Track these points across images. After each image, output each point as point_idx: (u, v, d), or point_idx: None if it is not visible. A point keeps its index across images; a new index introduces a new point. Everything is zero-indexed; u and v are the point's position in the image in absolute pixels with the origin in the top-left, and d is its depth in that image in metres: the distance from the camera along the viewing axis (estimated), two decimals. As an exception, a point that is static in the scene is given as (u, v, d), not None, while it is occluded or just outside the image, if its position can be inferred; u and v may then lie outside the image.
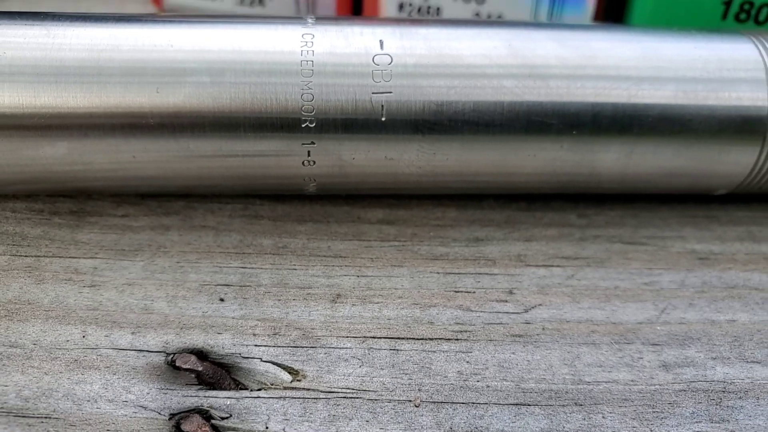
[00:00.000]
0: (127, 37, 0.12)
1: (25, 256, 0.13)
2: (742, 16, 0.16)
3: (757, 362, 0.11)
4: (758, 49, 0.13)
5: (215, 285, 0.12)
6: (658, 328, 0.12)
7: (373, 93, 0.12)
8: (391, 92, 0.12)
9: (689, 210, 0.14)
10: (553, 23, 0.14)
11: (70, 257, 0.12)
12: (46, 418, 0.10)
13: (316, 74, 0.12)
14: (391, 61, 0.12)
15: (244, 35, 0.12)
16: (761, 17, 0.16)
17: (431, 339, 0.11)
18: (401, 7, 0.19)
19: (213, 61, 0.12)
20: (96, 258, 0.12)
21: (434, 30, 0.13)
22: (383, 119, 0.12)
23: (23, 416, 0.10)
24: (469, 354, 0.11)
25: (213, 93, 0.12)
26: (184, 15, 0.13)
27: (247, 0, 0.21)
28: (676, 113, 0.12)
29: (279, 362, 0.11)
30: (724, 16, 0.16)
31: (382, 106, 0.12)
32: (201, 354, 0.11)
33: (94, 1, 0.21)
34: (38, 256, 0.13)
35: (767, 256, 0.13)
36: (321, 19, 0.13)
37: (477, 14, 0.19)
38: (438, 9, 0.19)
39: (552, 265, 0.13)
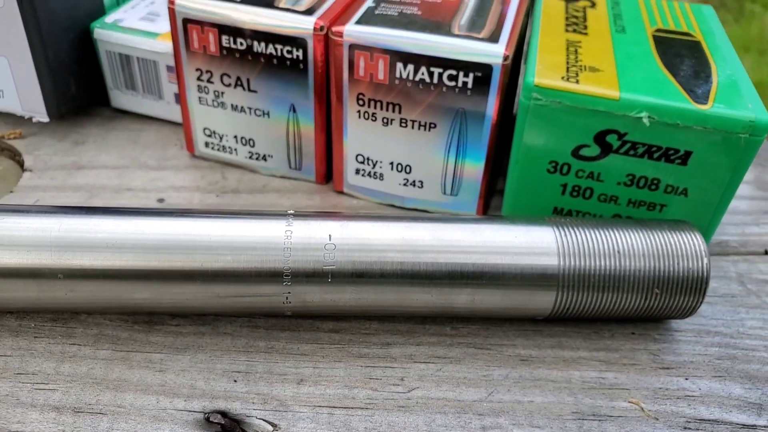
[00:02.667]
0: (144, 228, 0.21)
1: (120, 350, 0.21)
2: (574, 193, 0.25)
3: (539, 428, 0.20)
4: (554, 231, 0.22)
5: (231, 372, 0.21)
6: (485, 404, 0.20)
7: (324, 266, 0.21)
8: (333, 265, 0.21)
9: (523, 326, 0.23)
10: (432, 217, 0.23)
11: (146, 352, 0.21)
12: (139, 448, 0.19)
13: (293, 251, 0.21)
14: (335, 247, 0.21)
15: (252, 225, 0.21)
16: (587, 195, 0.25)
17: (353, 407, 0.20)
18: (357, 171, 0.28)
19: (235, 241, 0.21)
20: (161, 353, 0.21)
21: (362, 223, 0.22)
22: (329, 279, 0.21)
23: (127, 446, 0.19)
24: (372, 417, 0.20)
25: (232, 260, 0.21)
26: (216, 211, 0.22)
27: (255, 155, 0.30)
28: (499, 273, 0.21)
29: (266, 419, 0.20)
30: (563, 193, 0.25)
31: (330, 273, 0.21)
32: (223, 413, 0.20)
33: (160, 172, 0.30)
34: (128, 351, 0.21)
35: (566, 358, 0.22)
36: (297, 216, 0.22)
37: (405, 180, 0.28)
38: (381, 175, 0.28)
39: (429, 362, 0.22)
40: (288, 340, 0.22)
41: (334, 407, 0.20)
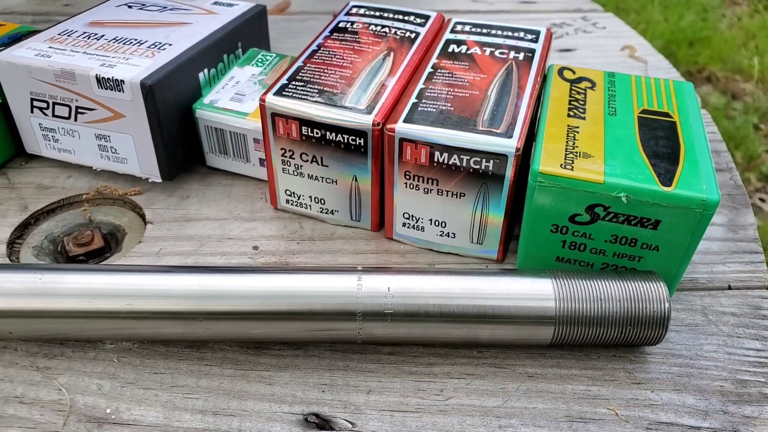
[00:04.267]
0: (258, 283, 0.29)
1: (240, 369, 0.30)
2: (572, 247, 0.33)
3: (541, 427, 0.28)
4: (552, 282, 0.30)
5: (319, 384, 0.29)
6: (501, 409, 0.28)
7: (385, 309, 0.29)
8: (392, 309, 0.29)
9: (531, 350, 0.31)
10: (462, 272, 0.30)
11: (258, 370, 0.30)
12: (261, 438, 0.27)
13: (363, 298, 0.29)
14: (392, 296, 0.29)
15: (334, 279, 0.29)
16: (582, 248, 0.33)
17: (407, 411, 0.28)
18: (403, 224, 0.36)
19: (322, 291, 0.29)
20: (269, 371, 0.30)
21: (410, 277, 0.30)
22: (389, 319, 0.29)
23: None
24: (421, 419, 0.28)
25: (321, 304, 0.29)
26: (293, 267, 0.30)
27: (325, 210, 0.38)
28: (512, 314, 0.29)
29: (347, 419, 0.28)
30: (563, 247, 0.33)
31: (389, 314, 0.29)
32: (317, 415, 0.28)
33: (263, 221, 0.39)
34: (245, 370, 0.30)
35: (562, 375, 0.30)
36: (365, 271, 0.30)
37: (441, 232, 0.36)
38: (422, 227, 0.36)
39: (461, 378, 0.30)
40: (359, 361, 0.30)
41: (393, 411, 0.28)
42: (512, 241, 0.37)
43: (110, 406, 0.28)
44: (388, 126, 0.32)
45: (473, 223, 0.34)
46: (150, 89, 0.36)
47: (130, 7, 0.45)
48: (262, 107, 0.34)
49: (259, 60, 0.43)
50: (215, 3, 0.46)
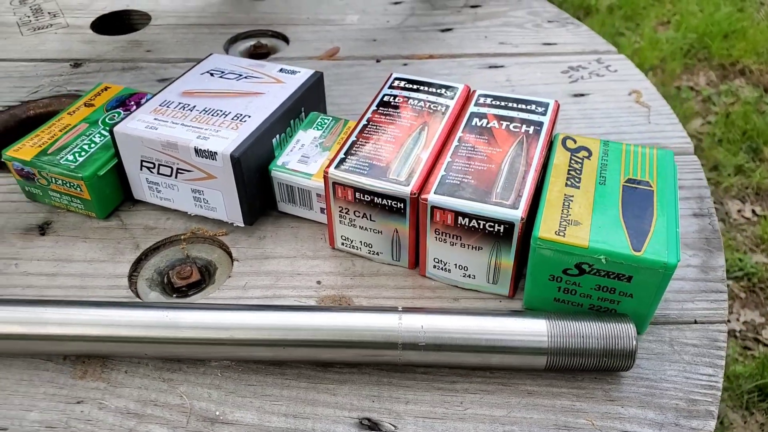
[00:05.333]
0: (326, 319, 0.39)
1: (312, 382, 0.40)
2: (565, 292, 0.42)
3: None
4: (546, 322, 0.39)
5: (370, 396, 0.39)
6: (506, 418, 0.38)
7: (419, 342, 0.39)
8: (424, 342, 0.38)
9: (530, 373, 0.40)
10: (478, 312, 0.40)
11: (325, 384, 0.40)
12: (328, 435, 0.38)
13: (402, 332, 0.39)
14: (425, 332, 0.39)
15: (380, 316, 0.39)
16: (573, 293, 0.42)
17: (435, 418, 0.38)
18: (434, 266, 0.46)
19: (372, 326, 0.39)
20: (333, 384, 0.40)
21: (438, 316, 0.39)
22: (422, 350, 0.39)
23: (322, 435, 0.38)
24: (445, 424, 0.38)
25: (371, 336, 0.39)
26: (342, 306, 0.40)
27: (372, 252, 0.48)
28: (516, 347, 0.38)
29: (391, 424, 0.38)
30: (558, 291, 0.42)
31: (422, 346, 0.39)
32: (369, 419, 0.38)
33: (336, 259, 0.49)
34: (315, 383, 0.40)
35: (553, 392, 0.39)
36: (404, 311, 0.39)
37: (464, 273, 0.45)
38: (449, 269, 0.45)
39: (476, 393, 0.39)
40: (399, 378, 0.40)
41: (425, 417, 0.38)
42: (521, 279, 0.46)
43: (218, 410, 0.39)
44: (423, 196, 0.42)
45: (489, 268, 0.44)
46: (237, 159, 0.46)
47: (212, 74, 0.55)
48: (326, 177, 0.44)
49: (319, 123, 0.53)
50: (281, 70, 0.55)
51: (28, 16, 0.80)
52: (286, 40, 0.76)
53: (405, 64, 0.70)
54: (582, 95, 0.64)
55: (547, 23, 0.77)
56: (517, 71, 0.68)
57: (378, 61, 0.71)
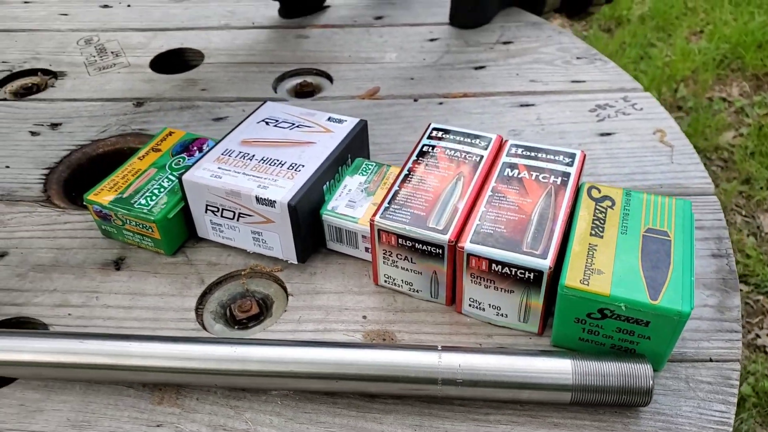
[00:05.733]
0: (374, 356, 0.45)
1: (362, 411, 0.45)
2: (589, 332, 0.46)
3: (560, 459, 0.42)
4: (571, 361, 0.43)
5: (413, 425, 0.44)
6: (534, 447, 0.43)
7: (456, 378, 0.43)
8: (461, 378, 0.43)
9: (557, 407, 0.45)
10: (509, 351, 0.44)
11: (372, 413, 0.45)
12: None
13: (442, 369, 0.44)
14: (462, 370, 0.43)
15: (422, 354, 0.44)
16: (596, 334, 0.46)
17: (470, 445, 0.43)
18: (469, 305, 0.51)
19: (415, 363, 0.44)
20: (379, 413, 0.45)
21: (473, 355, 0.44)
22: (459, 385, 0.43)
23: (371, 459, 0.43)
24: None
25: (414, 372, 0.44)
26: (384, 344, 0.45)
27: (412, 289, 0.53)
28: (544, 383, 0.43)
29: (430, 449, 0.43)
30: (582, 332, 0.46)
31: (460, 382, 0.43)
32: (411, 446, 0.43)
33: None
34: (365, 412, 0.45)
35: (577, 424, 0.44)
36: (443, 349, 0.44)
37: (497, 312, 0.50)
38: (483, 308, 0.50)
39: (508, 424, 0.44)
40: (438, 410, 0.45)
41: (461, 445, 0.43)
42: (550, 317, 0.50)
43: (280, 434, 0.44)
44: (459, 244, 0.47)
45: (520, 308, 0.48)
46: (294, 207, 0.51)
47: (267, 123, 0.60)
48: (372, 224, 0.49)
49: (363, 169, 0.58)
50: (329, 119, 0.60)
51: (94, 56, 0.87)
52: (329, 78, 0.81)
53: (441, 103, 0.75)
54: (608, 134, 0.68)
55: (576, 60, 0.81)
56: (547, 110, 0.72)
57: (415, 100, 0.75)
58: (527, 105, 0.73)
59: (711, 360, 0.47)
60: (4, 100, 0.80)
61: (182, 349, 0.45)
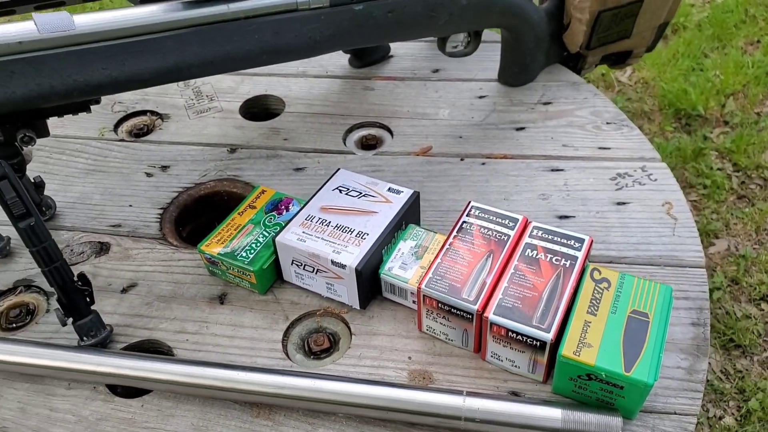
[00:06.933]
0: (415, 395, 0.60)
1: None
2: (580, 387, 0.60)
3: (548, 483, 0.57)
4: (561, 410, 0.58)
5: (441, 447, 0.60)
6: (530, 472, 0.58)
7: (475, 417, 0.59)
8: (480, 417, 0.58)
9: (551, 441, 0.60)
10: (515, 399, 0.59)
11: (411, 435, 0.61)
12: None
13: (465, 409, 0.59)
14: (480, 410, 0.59)
15: (450, 396, 0.59)
16: (585, 388, 0.60)
17: (483, 467, 0.59)
18: (491, 357, 0.65)
19: (445, 403, 0.59)
20: (417, 436, 0.61)
21: (488, 401, 0.59)
22: (478, 421, 0.59)
23: None
24: None
25: (442, 409, 0.59)
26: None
27: (448, 338, 0.68)
28: (538, 426, 0.58)
29: (453, 467, 0.59)
30: (574, 386, 0.60)
31: (480, 420, 0.59)
32: (439, 464, 0.59)
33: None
34: (405, 434, 0.61)
35: (565, 456, 0.58)
36: (467, 394, 0.59)
37: (512, 364, 0.64)
38: (502, 360, 0.65)
39: (512, 453, 0.59)
40: (461, 437, 0.61)
41: (476, 466, 0.59)
42: (552, 369, 0.65)
43: (344, 446, 0.61)
44: (485, 314, 0.61)
45: (529, 363, 0.63)
46: (359, 271, 0.67)
47: (340, 191, 0.76)
48: (419, 290, 0.64)
49: (414, 235, 0.73)
50: (389, 189, 0.75)
51: (192, 99, 1.04)
52: (390, 132, 0.95)
53: (483, 163, 0.88)
54: (623, 203, 0.81)
55: (606, 125, 0.93)
56: (574, 175, 0.85)
57: (462, 159, 0.89)
58: (557, 170, 0.86)
59: (675, 413, 0.61)
60: (123, 140, 0.97)
61: (275, 380, 0.62)
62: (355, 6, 0.71)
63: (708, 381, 1.42)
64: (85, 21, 0.58)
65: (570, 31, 0.97)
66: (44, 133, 0.62)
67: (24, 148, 0.61)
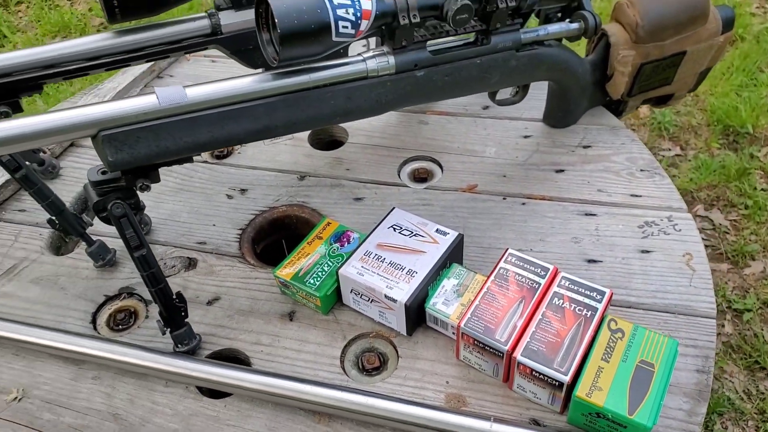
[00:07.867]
0: (444, 417, 0.72)
1: None
2: (590, 422, 0.71)
3: (557, 500, 0.69)
4: (575, 443, 0.69)
5: (469, 462, 0.72)
6: (542, 489, 0.70)
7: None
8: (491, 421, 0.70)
9: (562, 464, 0.71)
10: (531, 428, 0.70)
11: None
12: None
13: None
14: (492, 429, 0.70)
15: (480, 421, 0.71)
16: (595, 423, 0.71)
17: (503, 481, 0.71)
18: (517, 388, 0.77)
19: (474, 426, 0.71)
20: (449, 451, 0.73)
21: (509, 427, 0.71)
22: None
23: None
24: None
25: (468, 429, 0.71)
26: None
27: (482, 368, 0.79)
28: (553, 454, 0.69)
29: (478, 480, 0.71)
30: (586, 420, 0.71)
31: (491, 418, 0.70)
32: (467, 476, 0.71)
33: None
34: (440, 448, 0.73)
35: (573, 479, 0.70)
36: (495, 419, 0.71)
37: (534, 395, 0.76)
38: (526, 391, 0.76)
39: (528, 472, 0.71)
40: (486, 455, 0.73)
41: (497, 480, 0.71)
42: (569, 402, 0.76)
43: (388, 454, 0.73)
44: (514, 355, 0.73)
45: (549, 395, 0.74)
46: (408, 306, 0.79)
47: (394, 229, 0.87)
48: (458, 327, 0.76)
49: (457, 275, 0.84)
50: (437, 231, 0.87)
51: (266, 124, 1.16)
52: (440, 166, 1.06)
53: (524, 204, 0.99)
54: (647, 251, 0.90)
55: (639, 172, 1.01)
56: (605, 221, 0.95)
57: (504, 198, 1.00)
58: (590, 215, 0.96)
59: (672, 449, 0.72)
60: (206, 162, 1.11)
61: (335, 394, 0.75)
62: (417, 72, 0.82)
63: (730, 400, 1.51)
64: (195, 93, 0.71)
65: (613, 81, 1.05)
66: (156, 180, 0.75)
67: (141, 192, 0.74)
